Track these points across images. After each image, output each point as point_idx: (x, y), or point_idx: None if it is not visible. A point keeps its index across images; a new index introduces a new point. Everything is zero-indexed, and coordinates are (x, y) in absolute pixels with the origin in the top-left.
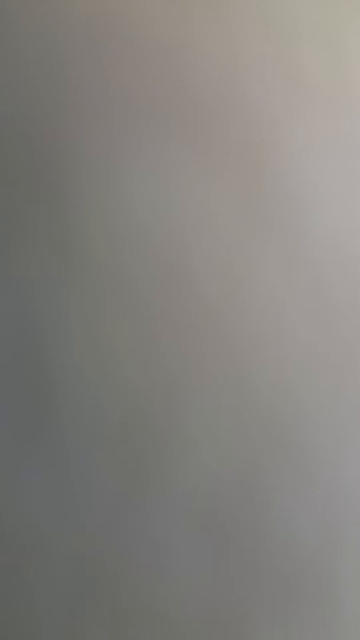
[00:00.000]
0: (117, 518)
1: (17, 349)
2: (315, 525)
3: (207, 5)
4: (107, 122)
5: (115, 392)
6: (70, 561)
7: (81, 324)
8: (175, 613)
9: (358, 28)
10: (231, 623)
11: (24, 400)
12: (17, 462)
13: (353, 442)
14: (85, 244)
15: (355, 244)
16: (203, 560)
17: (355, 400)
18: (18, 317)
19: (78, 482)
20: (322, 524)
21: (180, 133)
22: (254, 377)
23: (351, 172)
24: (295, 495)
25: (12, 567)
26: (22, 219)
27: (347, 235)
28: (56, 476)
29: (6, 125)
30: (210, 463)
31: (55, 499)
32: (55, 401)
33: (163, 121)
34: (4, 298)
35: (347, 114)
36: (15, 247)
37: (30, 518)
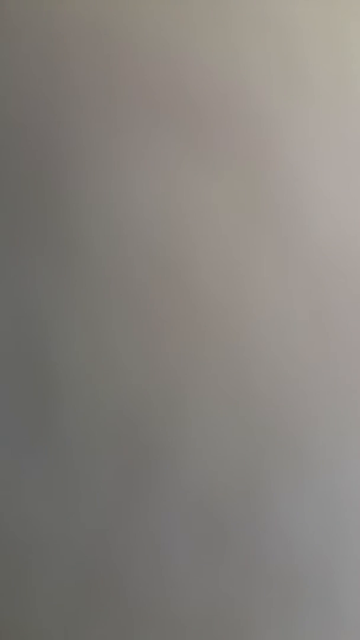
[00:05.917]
0: (117, 518)
1: (18, 348)
2: (316, 525)
3: (207, 4)
4: (108, 121)
5: (117, 391)
6: (70, 560)
7: (82, 322)
8: (175, 613)
9: (359, 28)
10: (231, 623)
11: (25, 399)
12: (18, 461)
13: (353, 443)
14: (86, 243)
15: (356, 243)
16: (203, 560)
17: (356, 399)
18: (19, 315)
19: (78, 481)
20: (322, 524)
21: (181, 132)
22: (254, 376)
23: (351, 172)
24: (295, 496)
25: (11, 566)
26: (23, 219)
27: (347, 235)
28: (56, 476)
29: (7, 124)
30: (211, 463)
31: (56, 498)
32: (56, 400)
33: (164, 120)
34: (4, 296)
35: (347, 114)
36: (16, 245)
37: (30, 517)
